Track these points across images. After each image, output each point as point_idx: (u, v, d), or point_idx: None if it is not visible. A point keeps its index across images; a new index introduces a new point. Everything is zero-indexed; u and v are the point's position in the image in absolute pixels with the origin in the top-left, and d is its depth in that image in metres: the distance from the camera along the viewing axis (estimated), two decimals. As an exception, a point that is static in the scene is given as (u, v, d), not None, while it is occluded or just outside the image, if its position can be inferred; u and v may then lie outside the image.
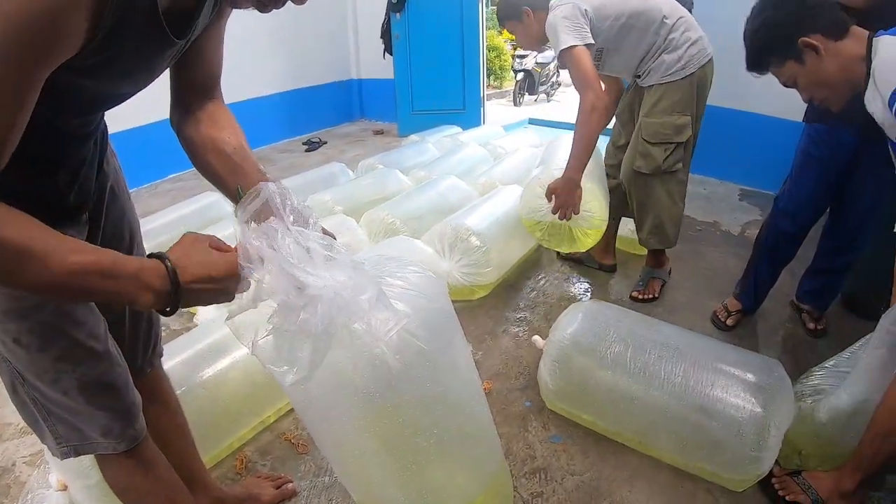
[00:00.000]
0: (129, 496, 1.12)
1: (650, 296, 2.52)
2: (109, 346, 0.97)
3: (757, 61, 1.59)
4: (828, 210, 2.15)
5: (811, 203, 2.08)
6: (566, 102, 10.26)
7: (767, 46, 1.56)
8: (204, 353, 1.68)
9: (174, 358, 1.62)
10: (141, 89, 0.87)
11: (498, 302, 2.51)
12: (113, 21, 0.66)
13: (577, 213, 2.25)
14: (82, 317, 0.93)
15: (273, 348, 0.83)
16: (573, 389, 1.72)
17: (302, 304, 0.78)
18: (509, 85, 10.61)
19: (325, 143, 5.56)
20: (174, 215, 2.92)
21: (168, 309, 0.78)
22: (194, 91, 1.01)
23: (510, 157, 3.69)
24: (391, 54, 5.62)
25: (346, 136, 6.01)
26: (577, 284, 2.69)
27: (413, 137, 4.69)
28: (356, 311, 0.81)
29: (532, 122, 7.82)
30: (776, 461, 1.59)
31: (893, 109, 1.28)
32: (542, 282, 2.70)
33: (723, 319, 2.39)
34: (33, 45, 0.62)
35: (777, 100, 2.37)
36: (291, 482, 1.54)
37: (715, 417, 1.53)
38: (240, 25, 4.64)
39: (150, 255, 0.78)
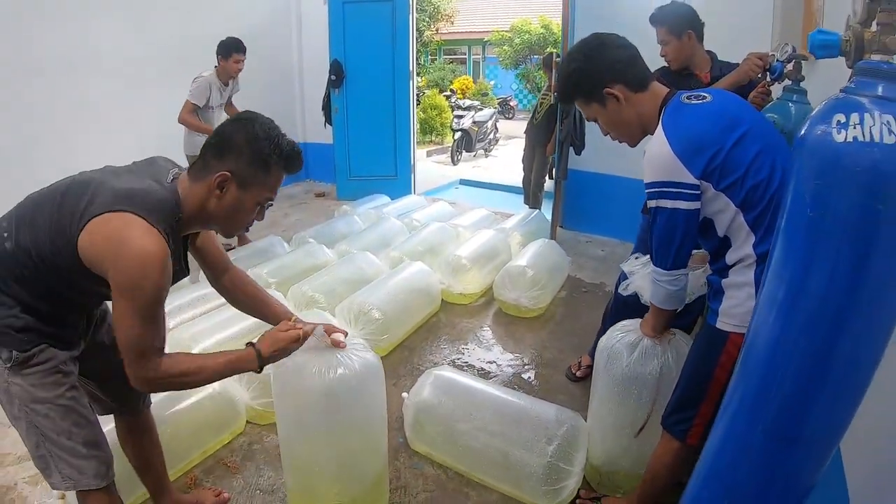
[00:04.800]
0: None
1: None
2: (97, 418, 1.55)
3: (566, 98, 1.72)
4: None
5: None
6: (502, 157, 11.05)
7: (577, 90, 1.68)
8: (167, 398, 2.23)
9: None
10: None
11: (394, 361, 3.11)
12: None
13: None
14: (81, 399, 1.49)
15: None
16: (422, 436, 2.36)
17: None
18: (450, 140, 11.16)
19: (272, 204, 6.08)
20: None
21: (261, 369, 1.51)
22: (216, 269, 1.75)
23: (421, 231, 4.35)
24: (331, 125, 6.23)
25: (291, 197, 6.60)
26: (460, 346, 3.32)
27: (345, 208, 5.32)
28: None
29: (463, 182, 8.56)
30: (585, 486, 2.09)
31: (646, 194, 1.56)
32: (434, 345, 3.32)
33: (574, 372, 2.94)
34: (163, 298, 1.33)
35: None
36: (226, 493, 2.16)
37: (515, 459, 2.07)
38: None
39: (248, 344, 1.52)
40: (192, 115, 4.25)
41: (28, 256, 1.34)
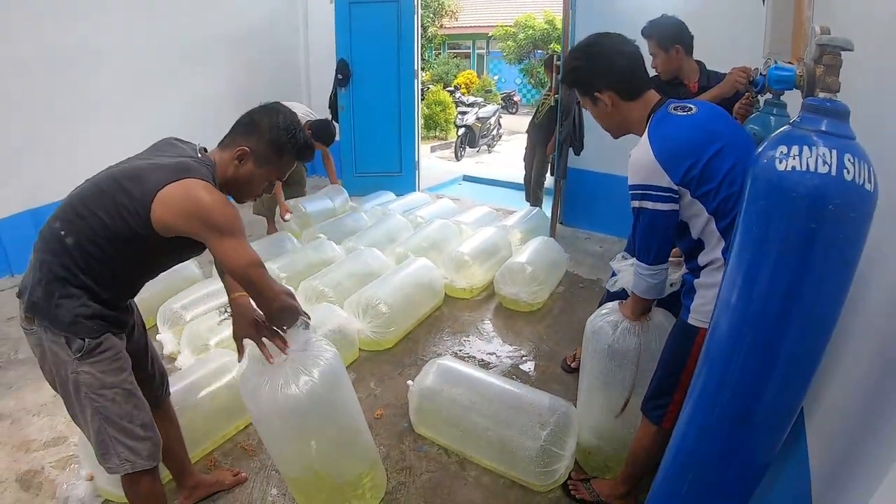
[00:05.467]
0: (148, 498, 1.70)
1: None
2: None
3: (568, 84, 1.92)
4: None
5: None
6: (505, 154, 11.14)
7: (574, 84, 1.83)
8: (187, 388, 2.41)
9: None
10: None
11: (399, 352, 3.29)
12: None
13: None
14: (136, 383, 1.66)
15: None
16: (425, 421, 2.53)
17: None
18: (454, 136, 11.29)
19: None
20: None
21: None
22: None
23: (425, 227, 4.50)
24: (337, 123, 6.28)
25: (299, 192, 6.72)
26: (461, 339, 3.49)
27: (352, 204, 5.45)
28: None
29: (466, 178, 8.67)
30: (577, 467, 2.27)
31: (629, 193, 1.68)
32: (437, 337, 3.49)
33: (569, 363, 3.11)
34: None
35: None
36: (244, 473, 2.32)
37: (511, 443, 2.23)
38: (208, 90, 5.48)
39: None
40: None
41: (95, 245, 1.50)
